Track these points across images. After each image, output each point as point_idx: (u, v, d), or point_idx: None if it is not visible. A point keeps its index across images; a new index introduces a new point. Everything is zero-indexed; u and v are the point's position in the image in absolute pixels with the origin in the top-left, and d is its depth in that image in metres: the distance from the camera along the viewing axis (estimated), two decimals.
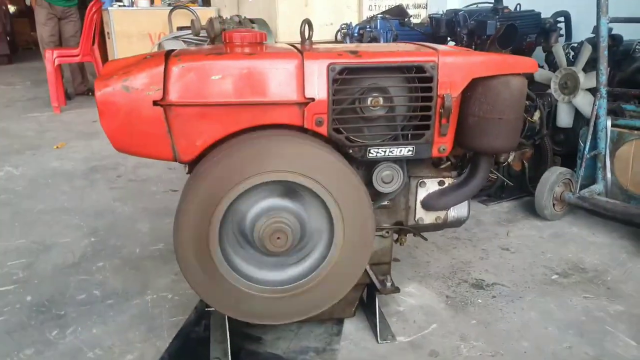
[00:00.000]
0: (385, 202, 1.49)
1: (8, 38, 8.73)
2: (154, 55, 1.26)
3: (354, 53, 1.30)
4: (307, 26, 1.35)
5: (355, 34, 3.49)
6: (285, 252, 1.28)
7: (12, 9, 10.72)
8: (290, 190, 1.29)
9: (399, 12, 3.52)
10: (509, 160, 2.55)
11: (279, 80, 1.25)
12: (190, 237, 1.23)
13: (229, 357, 1.42)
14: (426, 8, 4.64)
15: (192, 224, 1.22)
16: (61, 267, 2.00)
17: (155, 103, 1.21)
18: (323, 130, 1.30)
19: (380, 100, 1.32)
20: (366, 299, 1.68)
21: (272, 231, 1.24)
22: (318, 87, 1.27)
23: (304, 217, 1.30)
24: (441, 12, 3.28)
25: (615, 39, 2.55)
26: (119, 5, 5.40)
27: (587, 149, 2.33)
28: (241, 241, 1.32)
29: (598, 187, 2.37)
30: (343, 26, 3.74)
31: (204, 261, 1.25)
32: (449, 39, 3.16)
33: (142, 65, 1.21)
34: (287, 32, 4.44)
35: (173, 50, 1.32)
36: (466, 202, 1.53)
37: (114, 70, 1.23)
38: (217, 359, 1.43)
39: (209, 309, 1.56)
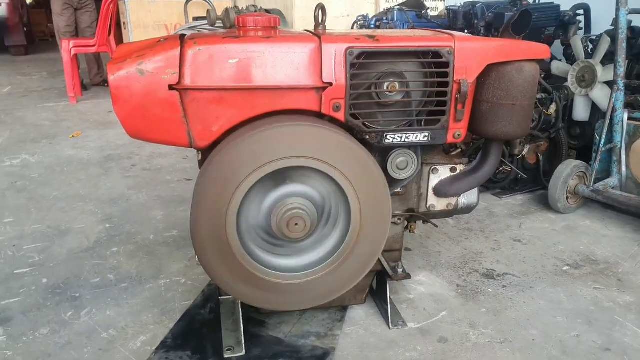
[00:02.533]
0: (398, 189, 1.49)
1: (25, 29, 8.85)
2: (169, 39, 1.25)
3: (372, 37, 1.30)
4: (320, 11, 1.35)
5: (372, 26, 3.48)
6: (304, 238, 1.29)
7: (29, 0, 10.86)
8: (306, 175, 1.29)
9: (416, 4, 3.49)
10: (524, 153, 2.57)
11: (296, 64, 1.24)
12: (207, 224, 1.22)
13: (243, 346, 1.42)
14: (444, 0, 4.61)
15: (209, 211, 1.21)
16: (76, 252, 2.04)
17: (171, 87, 1.20)
18: (340, 115, 1.30)
19: (397, 85, 1.32)
20: (376, 286, 1.69)
21: (289, 218, 1.24)
22: (336, 72, 1.26)
23: (320, 203, 1.30)
24: (459, 5, 3.25)
25: (634, 31, 2.51)
26: None
27: (602, 142, 2.30)
28: (257, 227, 1.31)
29: (613, 180, 2.34)
30: (360, 18, 3.74)
31: (222, 249, 1.25)
32: (466, 31, 3.14)
33: (158, 49, 1.20)
34: (303, 23, 4.44)
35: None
36: (476, 189, 1.53)
37: (127, 53, 1.22)
38: (231, 347, 1.43)
39: (222, 297, 1.57)
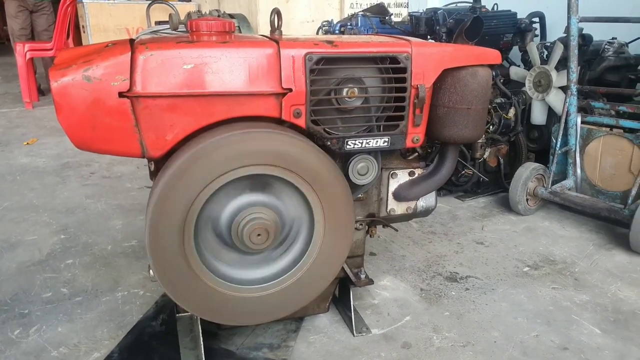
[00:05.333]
0: (359, 195, 1.48)
1: None
2: (118, 43, 1.19)
3: (330, 43, 1.29)
4: (276, 16, 1.34)
5: (337, 31, 3.49)
6: (267, 248, 1.26)
7: None
8: (265, 183, 1.26)
9: (379, 10, 3.52)
10: (485, 156, 2.62)
11: (255, 69, 1.21)
12: (164, 238, 1.17)
13: None
14: (407, 7, 4.67)
15: (166, 225, 1.16)
16: (27, 265, 1.94)
17: (121, 94, 1.14)
18: (301, 122, 1.28)
19: (356, 91, 1.31)
20: (339, 293, 1.67)
21: (251, 229, 1.21)
22: (295, 77, 1.24)
23: (282, 211, 1.28)
24: (421, 11, 3.30)
25: (585, 39, 2.61)
26: None
27: (558, 145, 2.38)
28: (217, 241, 1.27)
29: (569, 182, 2.42)
30: (324, 23, 3.73)
31: (180, 264, 1.20)
32: (428, 37, 3.19)
33: (106, 54, 1.14)
34: (267, 28, 4.41)
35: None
36: (434, 192, 1.54)
37: (72, 59, 1.14)
38: None
39: (180, 314, 1.52)
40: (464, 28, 1.40)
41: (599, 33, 2.70)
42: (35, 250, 2.06)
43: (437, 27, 3.07)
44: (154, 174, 1.36)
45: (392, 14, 3.56)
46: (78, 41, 5.56)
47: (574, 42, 2.26)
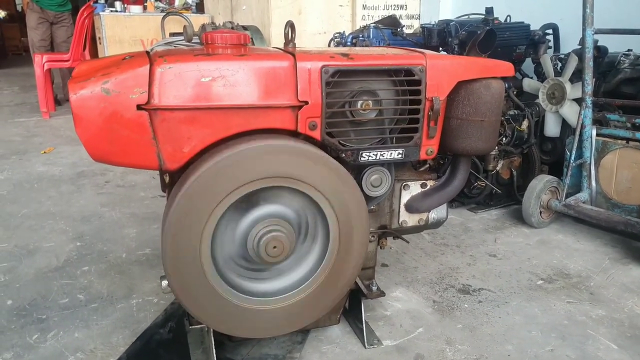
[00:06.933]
0: (372, 206, 1.49)
1: None
2: (136, 56, 1.20)
3: (346, 56, 1.30)
4: (290, 29, 1.36)
5: (349, 43, 3.52)
6: (283, 260, 1.27)
7: (2, 14, 10.68)
8: (283, 195, 1.26)
9: (391, 22, 3.55)
10: (498, 168, 2.61)
11: (272, 82, 1.22)
12: (180, 251, 1.17)
13: None
14: (419, 19, 4.69)
15: (182, 237, 1.16)
16: (44, 271, 1.97)
17: (139, 107, 1.13)
18: (316, 134, 1.28)
19: (371, 103, 1.32)
20: (350, 305, 1.66)
21: (267, 242, 1.21)
22: (311, 90, 1.25)
23: (297, 221, 1.29)
24: (433, 23, 3.32)
25: (600, 51, 2.60)
26: (111, 11, 5.39)
27: (573, 157, 2.36)
28: (233, 252, 1.27)
29: (583, 195, 2.40)
30: (336, 35, 3.77)
31: (197, 278, 1.20)
32: (440, 48, 3.20)
33: (124, 66, 1.14)
34: (280, 40, 4.45)
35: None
36: (445, 204, 1.54)
37: (91, 71, 1.15)
38: None
39: (193, 326, 1.52)
40: (477, 40, 1.40)
41: (615, 45, 2.69)
42: (52, 257, 2.10)
43: (450, 39, 3.08)
44: (168, 186, 1.37)
45: (403, 26, 3.58)
46: (94, 52, 5.68)
47: (589, 54, 2.25)
